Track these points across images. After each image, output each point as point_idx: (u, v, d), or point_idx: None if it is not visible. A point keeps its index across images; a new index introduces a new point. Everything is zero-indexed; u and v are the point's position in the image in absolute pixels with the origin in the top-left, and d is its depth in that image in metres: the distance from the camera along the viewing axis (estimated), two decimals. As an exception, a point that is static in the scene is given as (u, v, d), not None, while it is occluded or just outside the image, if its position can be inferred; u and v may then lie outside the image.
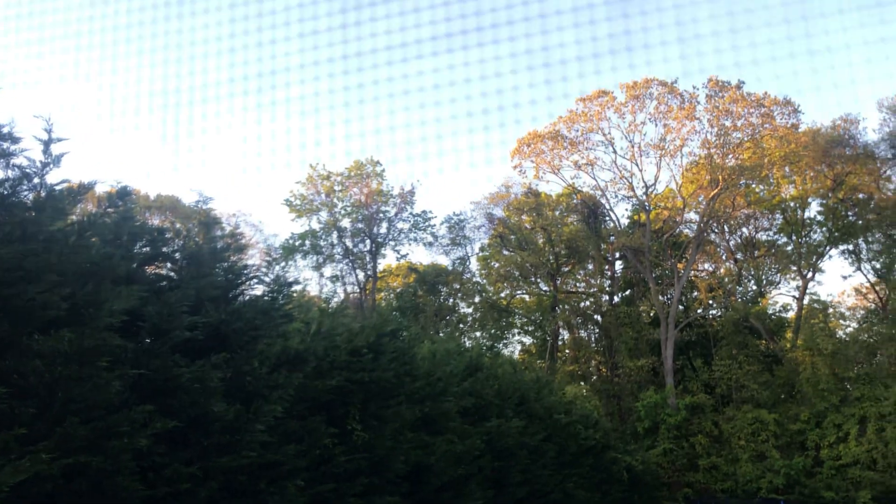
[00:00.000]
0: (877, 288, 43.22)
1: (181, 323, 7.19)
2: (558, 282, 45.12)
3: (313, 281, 43.33)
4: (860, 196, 41.37)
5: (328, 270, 42.85)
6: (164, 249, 8.20)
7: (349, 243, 42.43)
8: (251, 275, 9.10)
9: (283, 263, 39.11)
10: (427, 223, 43.68)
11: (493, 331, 45.56)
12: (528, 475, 15.58)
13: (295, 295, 10.76)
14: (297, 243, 41.54)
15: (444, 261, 46.31)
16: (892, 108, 40.00)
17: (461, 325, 45.19)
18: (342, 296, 42.05)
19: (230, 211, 47.35)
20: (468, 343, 40.24)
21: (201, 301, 7.80)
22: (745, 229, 44.98)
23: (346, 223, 42.34)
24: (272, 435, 7.84)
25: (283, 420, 8.20)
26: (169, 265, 8.33)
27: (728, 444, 34.13)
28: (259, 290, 9.45)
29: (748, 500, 29.12)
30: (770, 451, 33.09)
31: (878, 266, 42.52)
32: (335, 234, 42.06)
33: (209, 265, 8.33)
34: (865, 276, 43.64)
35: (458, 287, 45.33)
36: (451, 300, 46.26)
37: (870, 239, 42.55)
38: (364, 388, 10.26)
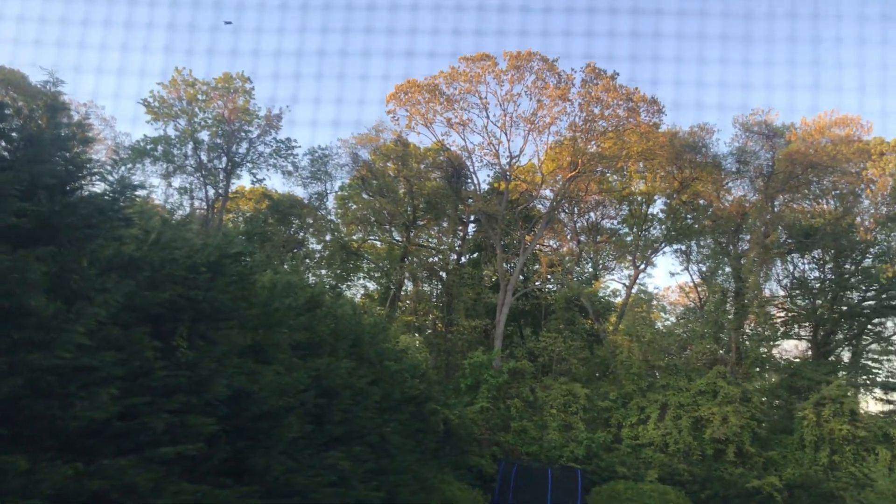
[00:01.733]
0: (699, 289, 46.68)
1: (9, 207, 6.74)
2: (412, 234, 45.56)
3: (160, 189, 41.41)
4: (701, 202, 44.27)
5: (177, 181, 40.99)
6: (1, 125, 7.59)
7: (204, 157, 40.71)
8: (94, 170, 8.58)
9: (130, 165, 37.12)
10: (290, 151, 42.67)
11: (339, 271, 45.47)
12: (349, 415, 15.81)
13: (138, 200, 10.26)
14: (148, 147, 39.39)
15: (301, 193, 45.52)
16: (745, 125, 42.86)
17: (307, 261, 44.78)
18: (188, 209, 40.49)
19: (81, 100, 44.28)
20: (312, 279, 40.01)
21: (35, 188, 7.32)
22: (592, 214, 47.16)
23: (204, 136, 40.58)
24: (92, 339, 7.53)
25: (105, 325, 7.88)
26: (3, 143, 7.72)
27: (540, 411, 36.00)
28: (100, 187, 8.93)
29: (549, 464, 30.90)
30: (577, 422, 35.23)
31: (703, 269, 45.90)
32: (191, 145, 40.20)
33: (49, 152, 7.79)
34: (691, 276, 47.08)
35: (311, 222, 44.78)
36: (302, 234, 45.70)
37: (701, 243, 45.82)
38: (196, 306, 10.01)
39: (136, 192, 9.38)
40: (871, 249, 45.96)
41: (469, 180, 44.09)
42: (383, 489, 17.62)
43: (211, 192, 41.65)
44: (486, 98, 39.69)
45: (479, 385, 35.57)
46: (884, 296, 45.25)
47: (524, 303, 43.38)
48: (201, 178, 41.01)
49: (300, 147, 43.13)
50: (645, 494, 28.70)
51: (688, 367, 37.82)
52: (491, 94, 39.64)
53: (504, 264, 41.66)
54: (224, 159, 40.87)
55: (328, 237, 45.26)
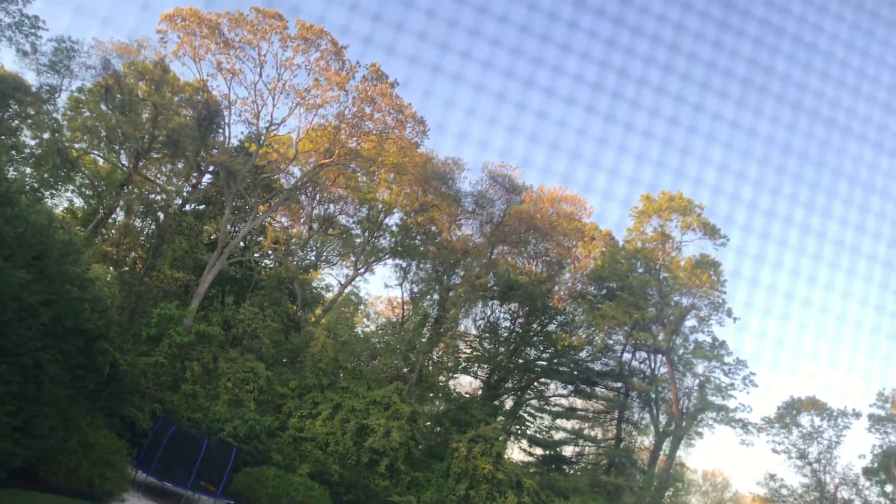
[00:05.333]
0: (405, 306, 48.67)
1: None
2: (141, 163, 42.46)
3: None
4: (433, 228, 46.41)
5: None
6: None
7: (-74, -1, 34.85)
8: None
9: None
10: (33, 30, 37.92)
11: (47, 175, 40.99)
12: (6, 329, 14.28)
13: None
14: None
15: (32, 80, 40.52)
16: (492, 174, 45.82)
17: (14, 153, 39.84)
18: None
19: None
20: (13, 174, 35.77)
21: None
22: (332, 206, 47.39)
23: (-66, -25, 34.78)
24: None
25: None
26: None
27: (217, 381, 35.11)
28: None
29: (208, 435, 30.12)
30: (250, 401, 34.82)
31: (415, 290, 48.00)
32: (-87, -21, 34.27)
33: None
34: (403, 293, 49.04)
35: (32, 113, 39.99)
36: (17, 123, 40.61)
37: (421, 266, 47.99)
38: None
39: None
40: (558, 317, 51.17)
41: (220, 130, 42.20)
42: (20, 416, 16.11)
43: (-79, 39, 35.72)
44: (265, 56, 38.45)
45: (162, 338, 33.86)
46: (555, 360, 50.48)
47: (236, 270, 42.21)
48: (-86, 19, 35.05)
49: (47, 30, 38.33)
50: (291, 485, 29.03)
51: (371, 376, 39.08)
52: (271, 55, 38.49)
53: (228, 226, 40.30)
54: (-50, 9, 35.32)
55: (46, 136, 40.69)
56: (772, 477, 67.13)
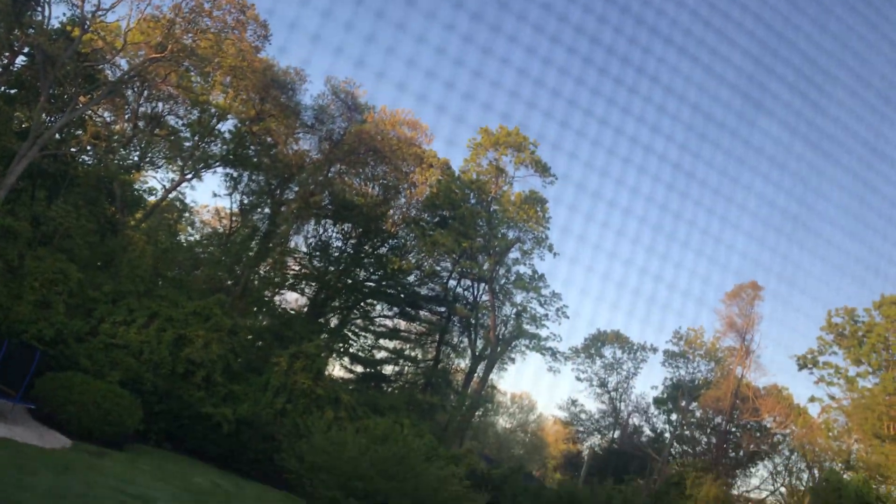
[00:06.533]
0: (233, 218, 47.24)
1: None
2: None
3: None
4: (269, 140, 44.92)
5: None
6: None
7: None
8: None
9: None
10: None
11: None
12: None
13: None
14: None
15: None
16: (335, 89, 44.83)
17: None
18: None
19: None
20: None
21: None
22: (161, 105, 44.57)
23: None
24: None
25: None
26: None
27: (22, 280, 32.70)
28: None
29: (5, 337, 28.08)
30: (58, 304, 32.68)
31: (245, 202, 46.59)
32: None
33: None
34: (232, 204, 47.39)
35: None
36: None
37: (253, 178, 46.60)
38: None
39: None
40: (391, 241, 51.68)
41: (39, 9, 38.29)
42: None
43: None
44: (94, -66, 35.08)
45: (-42, 230, 30.96)
46: (384, 283, 51.15)
47: (50, 164, 39.02)
48: None
49: None
50: (98, 392, 27.82)
51: (193, 286, 37.89)
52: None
53: (43, 115, 37.07)
54: None
55: None
56: (573, 402, 72.67)
